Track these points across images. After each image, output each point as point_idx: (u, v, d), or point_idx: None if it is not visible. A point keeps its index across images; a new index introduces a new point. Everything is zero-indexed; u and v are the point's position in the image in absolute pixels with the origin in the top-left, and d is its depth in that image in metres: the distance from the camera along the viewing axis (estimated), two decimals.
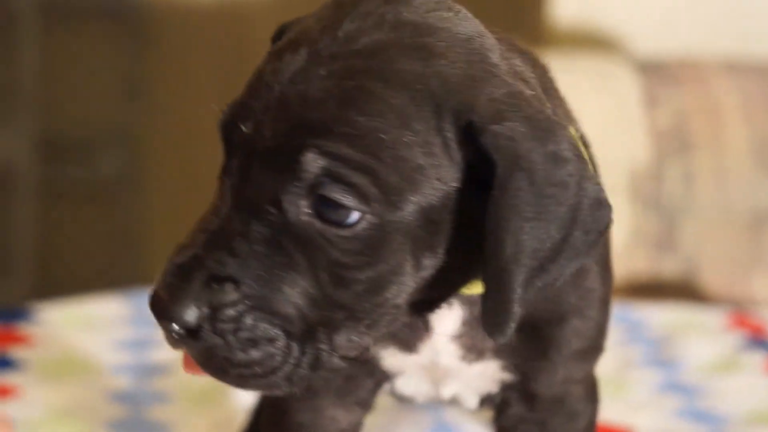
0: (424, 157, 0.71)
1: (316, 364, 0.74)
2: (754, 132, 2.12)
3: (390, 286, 0.73)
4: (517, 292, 0.71)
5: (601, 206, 0.74)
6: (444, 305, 0.82)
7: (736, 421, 1.41)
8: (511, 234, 0.70)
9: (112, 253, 2.83)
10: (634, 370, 1.56)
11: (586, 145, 0.84)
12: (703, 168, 2.09)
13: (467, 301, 0.83)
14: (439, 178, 0.72)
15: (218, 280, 0.71)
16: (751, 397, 1.48)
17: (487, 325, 0.74)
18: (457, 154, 0.72)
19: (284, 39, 0.78)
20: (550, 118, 0.74)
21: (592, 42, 2.55)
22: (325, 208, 0.71)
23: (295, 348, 0.73)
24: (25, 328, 1.53)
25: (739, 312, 1.77)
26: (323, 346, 0.73)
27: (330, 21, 0.75)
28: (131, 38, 2.88)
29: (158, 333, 1.47)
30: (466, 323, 0.85)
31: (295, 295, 0.72)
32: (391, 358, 0.89)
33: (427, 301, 0.80)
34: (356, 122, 0.71)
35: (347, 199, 0.71)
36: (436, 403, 1.20)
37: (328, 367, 0.75)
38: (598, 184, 0.75)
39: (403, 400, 0.98)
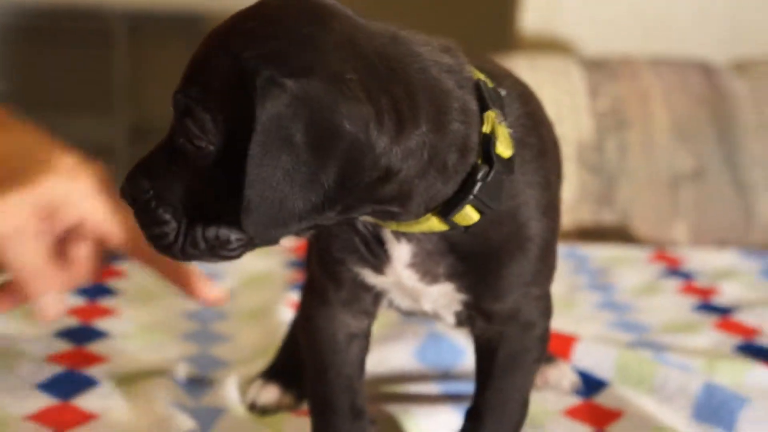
0: (241, 107, 0.72)
1: (196, 246, 0.78)
2: (673, 114, 2.13)
3: (227, 202, 0.75)
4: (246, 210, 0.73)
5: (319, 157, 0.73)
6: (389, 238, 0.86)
7: (655, 330, 1.42)
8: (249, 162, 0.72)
9: None
10: (579, 293, 1.57)
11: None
12: (634, 141, 2.10)
13: (414, 238, 0.85)
14: (243, 121, 0.72)
15: (141, 181, 0.80)
16: (667, 311, 1.50)
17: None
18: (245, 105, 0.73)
19: None
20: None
21: (550, 46, 2.54)
22: (188, 135, 0.75)
23: (181, 231, 0.78)
24: (118, 265, 1.55)
25: (660, 250, 1.79)
26: (198, 234, 0.78)
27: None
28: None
29: (218, 268, 1.49)
30: (417, 255, 0.86)
31: (179, 192, 0.78)
32: (371, 278, 0.90)
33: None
34: (208, 78, 0.75)
35: (194, 129, 0.75)
36: (429, 319, 1.22)
37: (214, 253, 0.79)
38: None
39: (403, 314, 0.99)
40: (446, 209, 0.80)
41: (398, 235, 0.85)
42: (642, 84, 2.16)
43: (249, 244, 0.79)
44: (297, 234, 0.79)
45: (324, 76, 0.72)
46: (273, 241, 0.78)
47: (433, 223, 0.81)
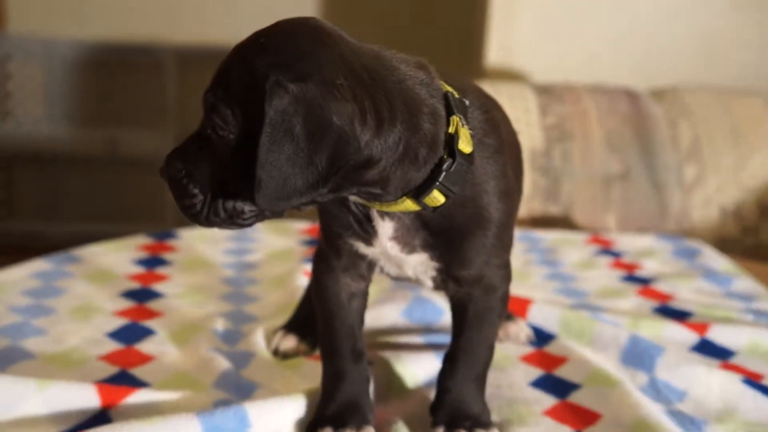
0: (248, 102, 0.76)
1: (217, 215, 0.81)
2: (605, 129, 2.13)
3: (245, 181, 0.76)
4: (259, 189, 0.75)
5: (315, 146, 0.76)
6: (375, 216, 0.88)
7: (592, 296, 1.43)
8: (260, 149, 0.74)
9: None
10: (532, 267, 1.57)
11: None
12: (574, 150, 2.10)
13: (395, 217, 0.87)
14: (254, 117, 0.75)
15: (177, 161, 0.82)
16: (600, 281, 1.50)
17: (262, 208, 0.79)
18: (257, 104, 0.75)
19: None
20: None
21: (508, 76, 2.55)
22: (213, 127, 0.78)
23: (207, 202, 0.80)
24: (171, 242, 1.55)
25: (595, 234, 1.78)
26: (220, 205, 0.80)
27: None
28: None
29: (249, 245, 1.49)
30: (398, 230, 0.87)
31: (205, 172, 0.80)
32: (363, 249, 0.91)
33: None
34: (228, 79, 0.78)
35: (218, 121, 0.78)
36: (414, 285, 1.23)
37: (233, 222, 0.81)
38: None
39: (393, 280, 0.99)
40: (418, 192, 0.82)
41: (382, 214, 0.87)
42: (581, 106, 2.16)
43: (260, 215, 0.81)
44: (298, 207, 0.79)
45: (318, 81, 0.75)
46: (279, 213, 0.80)
47: (408, 204, 0.83)
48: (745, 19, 2.65)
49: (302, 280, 1.31)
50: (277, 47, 0.78)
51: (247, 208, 0.80)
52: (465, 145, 0.82)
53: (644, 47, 2.65)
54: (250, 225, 0.83)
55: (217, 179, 0.80)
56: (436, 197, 0.82)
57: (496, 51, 2.59)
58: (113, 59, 3.58)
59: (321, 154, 0.75)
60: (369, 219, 0.88)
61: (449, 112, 0.83)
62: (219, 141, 0.78)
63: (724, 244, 2.08)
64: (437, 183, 0.81)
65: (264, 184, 0.74)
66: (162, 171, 0.83)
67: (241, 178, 0.78)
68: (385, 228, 0.88)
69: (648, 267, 1.59)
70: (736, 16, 2.65)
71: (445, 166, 0.81)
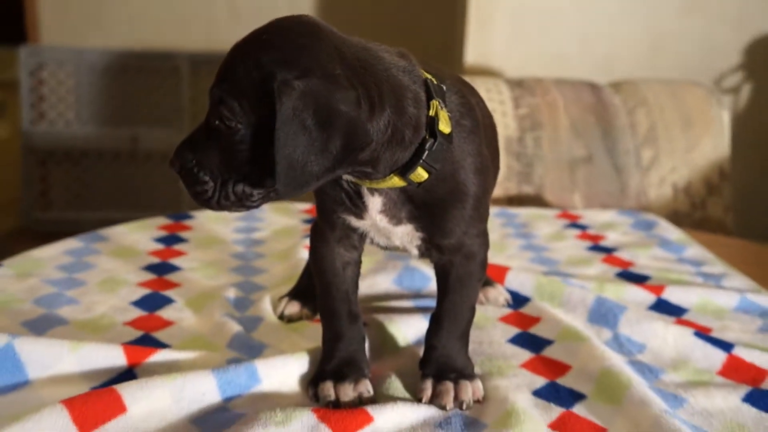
0: (254, 96, 0.75)
1: (228, 199, 0.80)
2: (571, 118, 2.13)
3: (246, 166, 0.77)
4: (280, 173, 0.74)
5: (327, 135, 0.75)
6: (365, 192, 0.87)
7: (562, 264, 1.42)
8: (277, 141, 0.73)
9: None
10: (509, 239, 1.56)
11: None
12: (544, 137, 2.09)
13: (383, 192, 0.86)
14: (259, 109, 0.75)
15: (186, 151, 0.80)
16: (569, 251, 1.50)
17: (282, 192, 0.77)
18: (267, 97, 0.74)
19: None
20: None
21: (485, 72, 2.55)
22: (221, 118, 0.77)
23: (217, 188, 0.79)
24: (187, 222, 1.54)
25: (564, 211, 1.77)
26: (230, 190, 0.79)
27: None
28: None
29: (256, 224, 1.49)
30: (386, 204, 0.87)
31: (215, 160, 0.79)
32: (355, 222, 0.91)
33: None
34: (234, 75, 0.76)
35: (227, 113, 0.76)
36: (402, 254, 1.23)
37: (242, 204, 0.80)
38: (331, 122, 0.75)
39: (382, 249, 0.99)
40: (404, 170, 0.82)
41: (372, 190, 0.87)
42: (549, 97, 2.16)
43: (266, 197, 0.80)
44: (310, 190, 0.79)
45: (320, 75, 0.74)
46: (291, 196, 0.78)
47: (395, 181, 0.83)
48: (691, 22, 2.68)
49: (304, 253, 1.30)
50: (277, 43, 0.76)
51: (256, 191, 0.79)
52: (444, 126, 0.82)
53: (605, 46, 2.67)
54: (257, 206, 0.82)
55: (226, 166, 0.79)
56: (420, 174, 0.82)
57: (473, 53, 2.60)
58: (134, 65, 3.59)
59: (334, 141, 0.74)
60: (359, 195, 0.88)
61: (429, 97, 0.82)
62: (227, 131, 0.77)
63: (677, 217, 2.09)
64: (421, 161, 0.81)
65: (284, 174, 0.73)
66: (172, 162, 0.82)
67: (249, 163, 0.77)
68: (374, 203, 0.87)
69: (610, 238, 1.59)
70: (683, 19, 2.69)
71: (427, 146, 0.81)
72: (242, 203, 0.80)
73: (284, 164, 0.73)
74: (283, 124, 0.72)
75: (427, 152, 0.81)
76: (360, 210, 0.89)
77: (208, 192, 0.80)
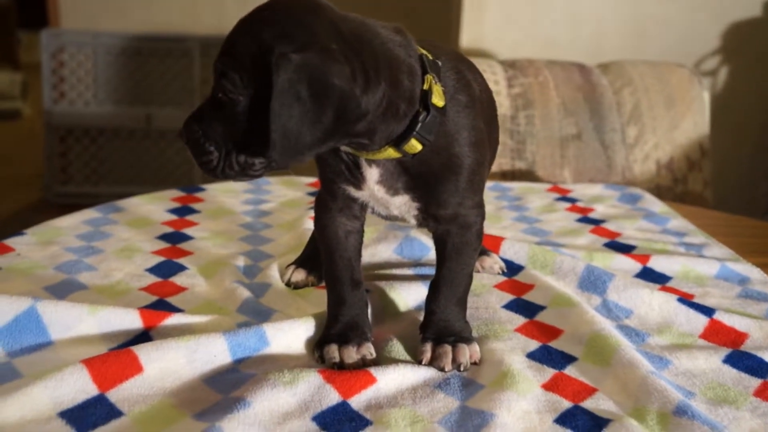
0: (253, 69, 0.74)
1: (232, 168, 0.79)
2: (561, 97, 2.11)
3: (245, 136, 0.77)
4: (274, 142, 0.73)
5: (320, 107, 0.74)
6: (364, 164, 0.86)
7: (553, 234, 1.40)
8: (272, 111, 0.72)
9: None
10: (503, 211, 1.55)
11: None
12: (536, 115, 2.07)
13: (380, 163, 0.85)
14: (258, 81, 0.74)
15: (193, 126, 0.79)
16: (560, 223, 1.48)
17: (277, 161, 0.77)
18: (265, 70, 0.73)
19: None
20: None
21: (480, 54, 2.53)
22: (223, 90, 0.76)
23: (222, 157, 0.78)
24: (198, 194, 1.52)
25: (555, 185, 1.76)
26: (233, 160, 0.78)
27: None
28: None
29: (264, 196, 1.48)
30: (383, 174, 0.86)
31: (219, 131, 0.78)
32: (354, 192, 0.89)
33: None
34: (236, 49, 0.75)
35: (228, 86, 0.75)
36: (402, 225, 1.21)
37: (246, 173, 0.79)
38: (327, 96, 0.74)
39: (383, 219, 0.97)
40: (398, 141, 0.81)
41: (369, 161, 0.85)
42: (541, 78, 2.14)
43: (268, 166, 0.79)
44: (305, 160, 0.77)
45: (316, 49, 0.73)
46: (288, 165, 0.78)
47: (390, 152, 0.81)
48: (675, 7, 2.67)
49: (309, 223, 1.29)
50: (277, 19, 0.75)
51: (257, 160, 0.78)
52: (438, 100, 0.81)
53: (593, 30, 2.64)
54: (260, 176, 0.81)
55: (228, 136, 0.78)
56: (414, 145, 0.81)
57: (468, 36, 2.58)
58: (148, 48, 3.57)
59: (327, 113, 0.73)
60: (358, 166, 0.86)
61: (423, 71, 0.80)
62: (229, 103, 0.76)
63: (659, 191, 2.08)
64: (414, 132, 0.80)
65: (278, 144, 0.72)
66: (180, 133, 0.80)
67: (251, 134, 0.76)
68: (372, 174, 0.86)
69: (598, 210, 1.57)
70: (666, 5, 2.67)
71: (420, 118, 0.80)
72: (245, 172, 0.79)
73: (279, 134, 0.72)
74: (279, 96, 0.71)
75: (420, 124, 0.80)
76: (358, 181, 0.87)
77: (213, 162, 0.79)
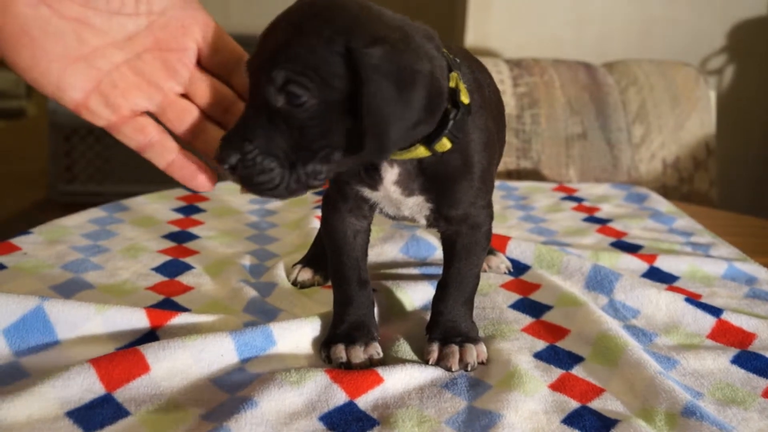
0: (331, 68, 0.70)
1: (299, 182, 0.73)
2: (567, 96, 2.11)
3: (321, 142, 0.72)
4: (381, 138, 0.70)
5: (421, 97, 0.72)
6: (383, 165, 0.83)
7: (559, 234, 1.40)
8: (372, 109, 0.69)
9: None
10: (509, 211, 1.55)
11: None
12: (542, 114, 2.07)
13: (400, 163, 0.83)
14: (339, 80, 0.70)
15: (242, 142, 0.71)
16: (566, 222, 1.48)
17: (373, 154, 0.73)
18: (346, 67, 0.70)
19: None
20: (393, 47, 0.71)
21: (485, 53, 2.53)
22: (289, 97, 0.71)
23: (286, 173, 0.72)
24: (204, 193, 1.52)
25: (560, 184, 1.76)
26: (300, 172, 0.73)
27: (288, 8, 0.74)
28: None
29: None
30: (401, 175, 0.84)
31: (282, 144, 0.72)
32: (368, 193, 0.88)
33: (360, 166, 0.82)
34: (298, 52, 0.70)
35: (298, 91, 0.70)
36: (409, 224, 1.21)
37: (308, 185, 0.74)
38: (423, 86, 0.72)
39: (390, 219, 0.97)
40: (430, 139, 0.78)
41: (392, 162, 0.83)
42: (547, 77, 2.14)
43: (329, 173, 0.75)
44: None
45: (386, 42, 0.70)
46: (382, 159, 0.78)
47: (421, 151, 0.79)
48: (679, 8, 2.66)
49: (315, 223, 1.29)
50: (331, 15, 0.71)
51: (325, 168, 0.74)
52: (464, 97, 0.79)
53: (599, 29, 2.64)
54: (321, 185, 0.77)
55: (295, 147, 0.72)
56: (444, 143, 0.79)
57: (473, 35, 2.57)
58: None
59: (419, 97, 0.71)
60: (376, 167, 0.84)
61: (450, 70, 0.79)
62: (295, 111, 0.71)
63: (665, 190, 2.07)
64: (446, 130, 0.78)
65: (374, 138, 0.70)
66: (223, 156, 0.71)
67: (322, 139, 0.72)
68: (390, 174, 0.84)
69: (605, 210, 1.57)
70: (672, 5, 2.66)
71: (451, 116, 0.78)
72: (309, 183, 0.74)
73: (373, 131, 0.69)
74: (371, 92, 0.68)
75: (452, 122, 0.78)
76: (375, 182, 0.86)
77: (275, 179, 0.72)
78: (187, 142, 0.77)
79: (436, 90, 0.73)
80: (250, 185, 0.72)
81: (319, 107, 0.71)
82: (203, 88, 0.76)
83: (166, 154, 0.76)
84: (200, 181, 0.77)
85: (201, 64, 0.76)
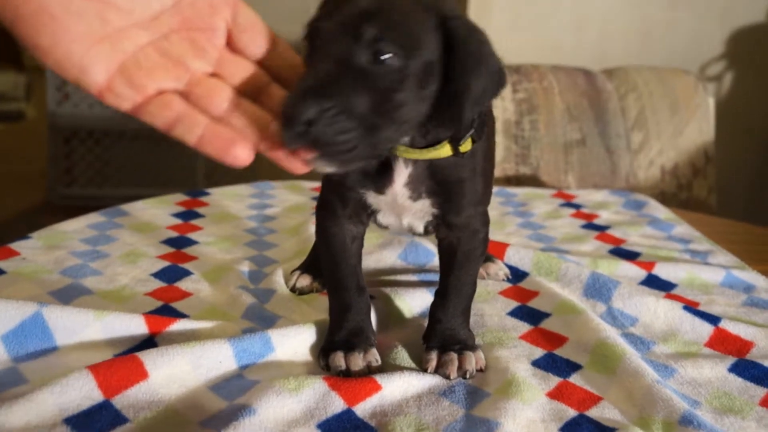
0: (423, 34, 0.71)
1: (374, 148, 0.69)
2: (566, 102, 2.11)
3: (404, 108, 0.71)
4: (466, 109, 0.71)
5: (500, 75, 0.74)
6: (398, 164, 0.83)
7: (558, 241, 1.41)
8: (465, 80, 0.71)
9: None
10: (508, 217, 1.55)
11: None
12: (541, 120, 2.07)
13: (415, 164, 0.83)
14: (430, 47, 0.71)
15: (322, 97, 0.65)
16: (564, 229, 1.48)
17: (450, 124, 0.75)
18: (437, 35, 0.71)
19: None
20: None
21: None
22: (376, 56, 0.69)
23: (364, 137, 0.67)
24: (203, 199, 1.52)
25: (559, 191, 1.76)
26: (379, 137, 0.69)
27: None
28: None
29: (269, 201, 1.47)
30: (411, 176, 0.84)
31: (362, 106, 0.67)
32: (372, 198, 0.87)
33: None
34: (390, 14, 0.70)
35: (389, 48, 0.69)
36: (406, 233, 1.21)
37: (377, 154, 0.72)
38: (500, 61, 0.74)
39: (383, 229, 0.97)
40: (456, 140, 0.80)
41: (407, 161, 0.83)
42: (546, 83, 2.14)
43: (396, 143, 0.77)
44: None
45: (468, 20, 0.74)
46: (463, 131, 0.79)
47: (445, 150, 0.81)
48: (679, 14, 2.67)
49: (313, 229, 1.28)
50: None
51: (397, 137, 0.73)
52: None
53: (598, 35, 2.64)
54: (383, 157, 0.78)
55: (377, 109, 0.68)
56: (468, 144, 0.81)
57: None
58: None
59: (498, 71, 0.73)
60: (389, 166, 0.84)
61: None
62: (384, 71, 0.69)
63: (664, 197, 2.08)
64: (471, 131, 0.80)
65: (468, 110, 0.72)
66: (295, 113, 0.65)
67: (400, 106, 0.70)
68: (403, 174, 0.84)
69: (603, 217, 1.57)
70: (671, 11, 2.66)
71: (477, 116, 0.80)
72: (379, 152, 0.72)
73: (472, 96, 0.71)
74: (470, 59, 0.71)
75: (476, 121, 0.80)
76: (383, 185, 0.85)
77: (351, 141, 0.66)
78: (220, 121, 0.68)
79: (502, 70, 0.75)
80: (324, 146, 0.66)
81: (404, 71, 0.70)
82: (234, 68, 0.69)
83: (196, 128, 0.66)
84: (237, 152, 0.65)
85: (231, 46, 0.69)
